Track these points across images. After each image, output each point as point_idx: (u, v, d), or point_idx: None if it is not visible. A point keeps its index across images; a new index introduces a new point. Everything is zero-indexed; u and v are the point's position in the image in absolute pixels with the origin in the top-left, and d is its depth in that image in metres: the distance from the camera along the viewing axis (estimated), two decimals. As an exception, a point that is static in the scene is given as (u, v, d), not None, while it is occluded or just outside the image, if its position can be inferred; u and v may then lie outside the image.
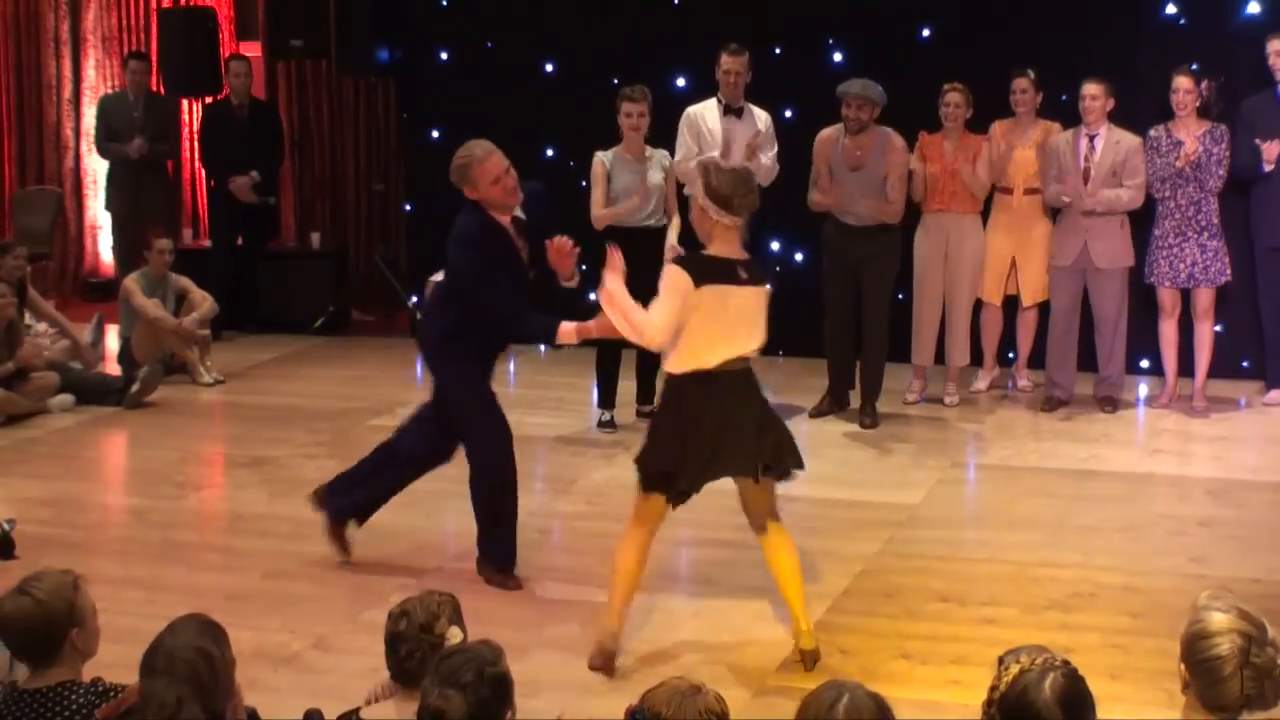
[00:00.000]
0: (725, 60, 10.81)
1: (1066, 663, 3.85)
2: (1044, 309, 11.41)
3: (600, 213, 10.50)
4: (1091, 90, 10.75)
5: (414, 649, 4.53)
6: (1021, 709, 3.76)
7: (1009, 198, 11.22)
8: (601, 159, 10.64)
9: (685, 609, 7.30)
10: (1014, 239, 11.27)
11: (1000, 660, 3.91)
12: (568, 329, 7.29)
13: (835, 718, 3.69)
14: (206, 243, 15.31)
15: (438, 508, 8.99)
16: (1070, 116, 11.05)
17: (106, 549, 8.48)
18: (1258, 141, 10.74)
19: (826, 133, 10.93)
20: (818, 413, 11.04)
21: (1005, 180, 11.18)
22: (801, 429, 10.77)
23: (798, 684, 6.06)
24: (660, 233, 10.41)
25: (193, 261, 13.76)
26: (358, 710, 4.56)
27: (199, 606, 5.60)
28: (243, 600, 7.23)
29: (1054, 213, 11.16)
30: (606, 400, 10.87)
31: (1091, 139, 10.82)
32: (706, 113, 10.86)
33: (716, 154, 10.60)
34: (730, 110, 10.84)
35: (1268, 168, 10.77)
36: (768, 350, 11.99)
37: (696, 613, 7.27)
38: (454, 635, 4.54)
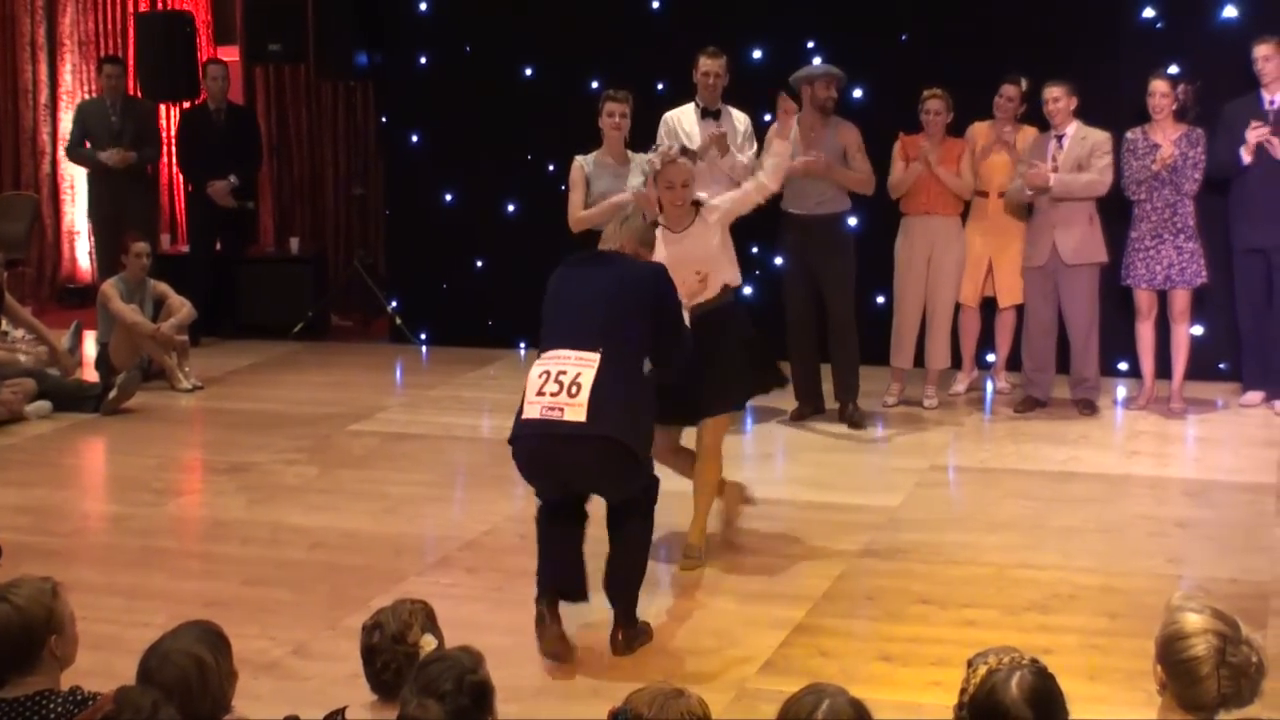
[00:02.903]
0: (704, 62, 10.83)
1: (1035, 661, 3.86)
2: (1021, 311, 11.43)
3: (579, 215, 10.46)
4: (1054, 93, 10.81)
5: (389, 660, 4.51)
6: (991, 708, 3.77)
7: (985, 201, 11.25)
8: (581, 163, 10.63)
9: (666, 612, 7.30)
10: (990, 241, 11.29)
11: (969, 662, 3.92)
12: None
13: (813, 723, 3.70)
14: (185, 248, 15.29)
15: (416, 512, 9.00)
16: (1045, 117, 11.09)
17: (85, 556, 8.46)
18: (1255, 124, 10.74)
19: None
20: (797, 416, 11.04)
21: (981, 184, 11.22)
22: (780, 433, 10.81)
23: (778, 687, 6.07)
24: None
25: (171, 267, 13.76)
26: (343, 710, 4.55)
27: (178, 614, 5.59)
28: (222, 607, 7.19)
29: (1029, 214, 11.19)
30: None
31: (1059, 138, 10.87)
32: (684, 117, 10.87)
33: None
34: (708, 113, 10.86)
35: (1247, 158, 10.79)
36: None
37: (677, 616, 7.27)
38: (428, 643, 4.52)
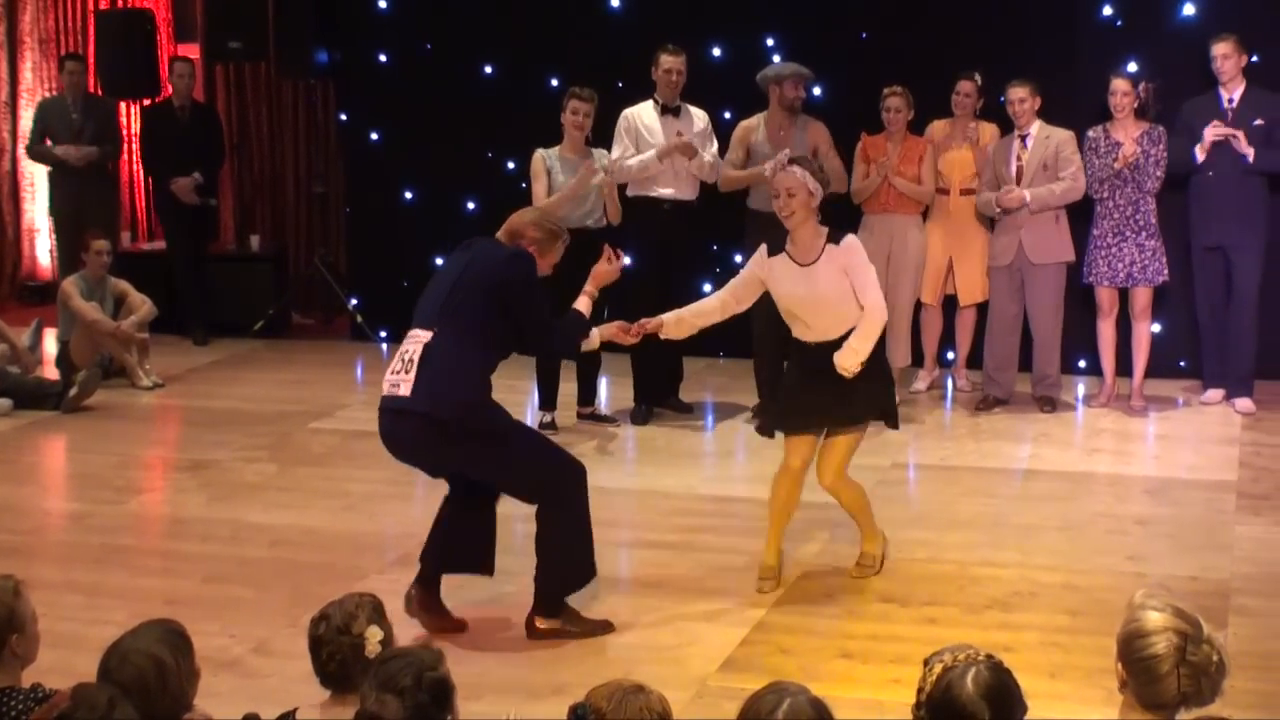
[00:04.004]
0: (665, 60, 10.87)
1: (990, 657, 3.87)
2: (982, 309, 11.46)
3: (541, 205, 10.44)
4: (1019, 94, 10.85)
5: (334, 651, 4.50)
6: (947, 704, 3.78)
7: (945, 199, 11.29)
8: (542, 155, 10.66)
9: (627, 610, 7.29)
10: (951, 240, 11.33)
11: (926, 661, 3.93)
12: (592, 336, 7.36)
13: (773, 723, 3.71)
14: (146, 246, 15.24)
15: (377, 510, 8.99)
16: (1008, 116, 11.10)
17: (46, 554, 8.43)
18: (1215, 123, 10.78)
19: (748, 121, 11.11)
20: (760, 413, 11.05)
21: (942, 182, 11.25)
22: (742, 430, 10.81)
23: (739, 685, 6.08)
24: (599, 234, 10.43)
25: (131, 264, 13.72)
26: (294, 712, 4.55)
27: (139, 611, 5.58)
28: (183, 605, 7.17)
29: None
30: (547, 402, 10.86)
31: (1023, 139, 10.92)
32: (643, 113, 10.93)
33: (654, 153, 10.73)
34: (667, 110, 10.91)
35: (1201, 156, 10.85)
36: (709, 352, 12.09)
37: (638, 614, 7.27)
38: (373, 634, 4.51)
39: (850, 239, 7.40)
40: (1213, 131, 10.78)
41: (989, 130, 11.26)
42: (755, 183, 10.77)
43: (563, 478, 6.96)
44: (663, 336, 7.72)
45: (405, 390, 6.70)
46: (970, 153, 11.21)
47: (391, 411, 6.81)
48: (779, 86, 10.93)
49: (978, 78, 11.21)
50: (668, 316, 7.63)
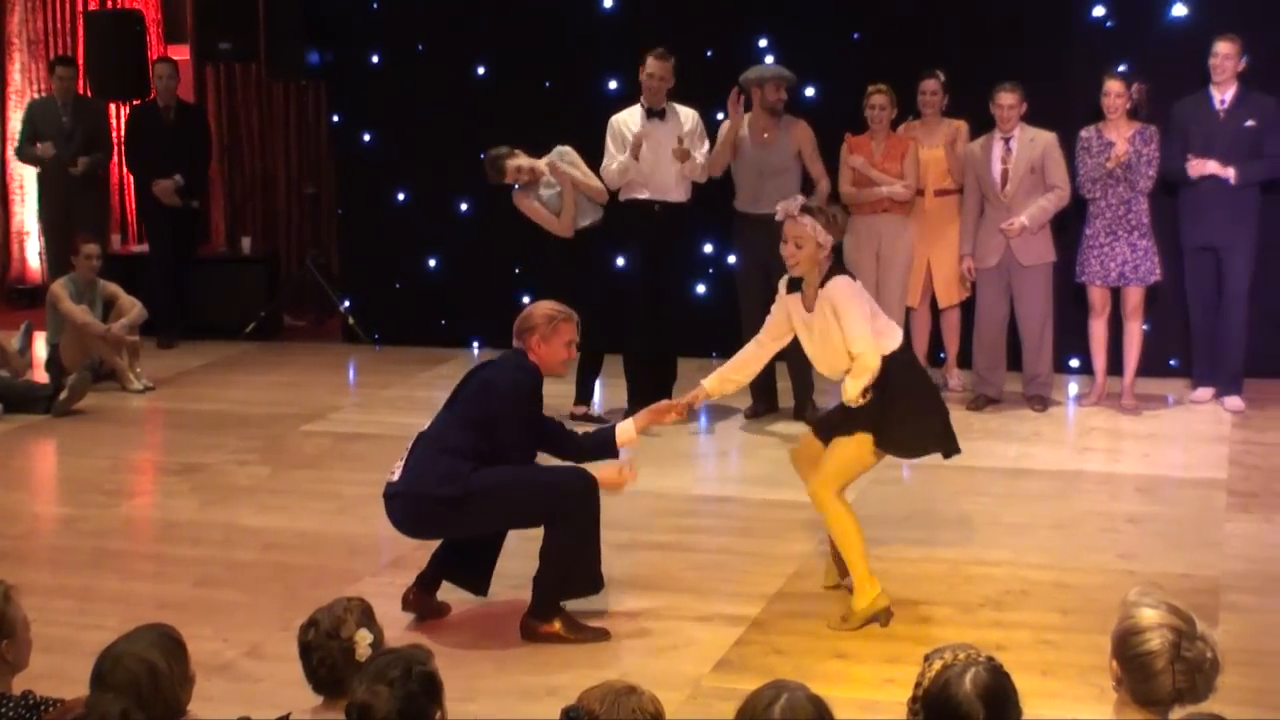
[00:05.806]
0: (649, 63, 10.91)
1: (990, 658, 3.87)
2: (965, 308, 11.47)
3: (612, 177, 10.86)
4: (1009, 99, 10.81)
5: (325, 656, 4.51)
6: (943, 703, 3.78)
7: (920, 200, 11.28)
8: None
9: (621, 610, 7.30)
10: (926, 241, 11.32)
11: (926, 658, 3.93)
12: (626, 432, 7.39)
13: (771, 718, 3.70)
14: (135, 248, 15.22)
15: (370, 513, 8.96)
16: (974, 113, 11.12)
17: (37, 558, 8.42)
18: (1190, 158, 10.80)
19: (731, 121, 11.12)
20: (753, 414, 11.05)
21: (917, 183, 11.25)
22: (735, 430, 10.81)
23: (733, 685, 6.08)
24: (593, 231, 10.58)
25: (120, 267, 13.69)
26: (287, 716, 4.54)
27: (131, 616, 5.56)
28: (175, 609, 7.16)
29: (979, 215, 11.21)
30: (582, 398, 10.93)
31: (1006, 141, 10.91)
32: (629, 118, 10.95)
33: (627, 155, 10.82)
34: (653, 113, 10.92)
35: (1193, 175, 10.86)
36: (702, 352, 12.08)
37: (632, 614, 7.27)
38: (363, 638, 4.52)
39: (835, 281, 7.13)
40: (1195, 171, 10.79)
41: (961, 127, 11.26)
42: (732, 142, 10.99)
43: (567, 495, 6.98)
44: (714, 398, 7.78)
45: (396, 475, 7.00)
46: (942, 152, 11.20)
47: (385, 498, 7.10)
48: (760, 89, 10.93)
49: (940, 75, 11.23)
50: (707, 381, 7.56)
